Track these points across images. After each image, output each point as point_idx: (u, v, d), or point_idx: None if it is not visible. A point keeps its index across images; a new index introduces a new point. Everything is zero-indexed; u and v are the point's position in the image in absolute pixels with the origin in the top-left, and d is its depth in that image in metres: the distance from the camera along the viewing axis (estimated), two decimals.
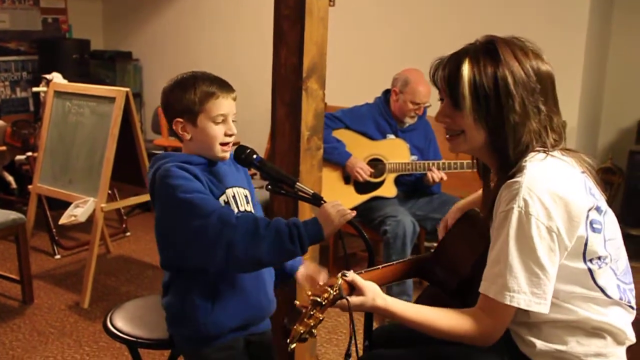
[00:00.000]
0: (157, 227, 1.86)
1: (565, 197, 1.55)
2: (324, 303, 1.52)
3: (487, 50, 1.62)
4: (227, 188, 1.87)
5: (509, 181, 1.59)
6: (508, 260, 1.54)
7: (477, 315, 1.61)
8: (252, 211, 1.94)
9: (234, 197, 1.87)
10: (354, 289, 1.60)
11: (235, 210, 1.85)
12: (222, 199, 1.84)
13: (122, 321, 2.17)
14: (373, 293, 1.61)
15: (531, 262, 1.54)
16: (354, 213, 1.77)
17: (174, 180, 1.73)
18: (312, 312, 1.50)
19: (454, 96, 1.63)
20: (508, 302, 1.54)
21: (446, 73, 1.65)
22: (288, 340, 1.48)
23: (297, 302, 1.55)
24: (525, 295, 1.54)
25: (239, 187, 1.92)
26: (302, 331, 1.47)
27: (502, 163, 1.66)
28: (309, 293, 1.55)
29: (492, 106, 1.60)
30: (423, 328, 1.63)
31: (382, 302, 1.61)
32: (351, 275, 1.60)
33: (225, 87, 1.86)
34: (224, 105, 1.83)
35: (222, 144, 1.85)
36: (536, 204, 1.53)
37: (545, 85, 1.62)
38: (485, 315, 1.60)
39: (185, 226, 1.70)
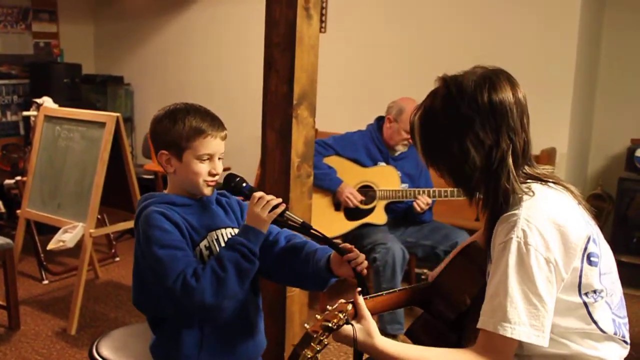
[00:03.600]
0: (135, 267, 1.86)
1: (563, 228, 1.55)
2: (334, 328, 1.53)
3: (434, 95, 1.70)
4: (211, 231, 1.84)
5: (505, 214, 1.60)
6: (508, 291, 1.53)
7: (478, 352, 1.58)
8: None
9: (217, 240, 1.84)
10: (356, 313, 1.61)
11: None
12: (203, 244, 1.82)
13: (108, 350, 2.15)
14: (372, 326, 1.60)
15: (530, 293, 1.52)
16: (279, 200, 1.78)
17: (151, 230, 1.73)
18: (321, 338, 1.51)
19: (414, 141, 1.75)
20: (509, 335, 1.52)
21: (409, 127, 1.80)
22: None
23: (307, 326, 1.54)
24: (524, 327, 1.52)
25: (226, 227, 1.89)
26: (309, 356, 1.49)
27: (468, 193, 1.71)
28: (319, 317, 1.55)
29: (436, 147, 1.69)
30: None
31: (378, 341, 1.59)
32: (358, 298, 1.61)
33: (216, 125, 1.82)
34: (211, 144, 1.80)
35: (206, 181, 1.82)
36: (535, 235, 1.53)
37: (496, 114, 1.61)
38: (485, 352, 1.57)
39: (156, 281, 1.72)
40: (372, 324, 1.60)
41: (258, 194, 1.78)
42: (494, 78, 1.64)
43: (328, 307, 1.59)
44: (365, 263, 1.78)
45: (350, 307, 1.58)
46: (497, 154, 1.61)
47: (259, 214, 1.75)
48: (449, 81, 1.66)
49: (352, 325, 1.58)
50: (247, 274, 1.74)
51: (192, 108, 1.83)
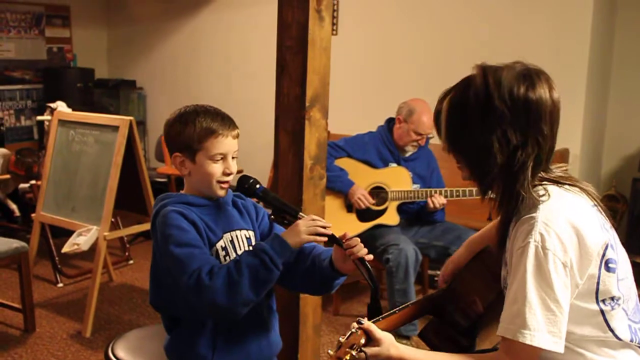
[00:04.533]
0: (153, 268, 1.87)
1: (581, 233, 1.53)
2: None
3: (466, 86, 1.64)
4: (226, 232, 1.85)
5: (523, 217, 1.58)
6: (527, 297, 1.51)
7: (500, 358, 1.57)
8: None
9: (232, 241, 1.85)
10: (370, 338, 1.56)
11: (233, 255, 1.82)
12: (220, 244, 1.82)
13: (123, 351, 2.16)
14: (388, 344, 1.56)
15: (548, 298, 1.51)
16: (327, 224, 1.76)
17: (169, 229, 1.73)
18: None
19: (438, 129, 1.71)
20: (528, 342, 1.50)
21: (435, 110, 1.72)
22: None
23: None
24: (543, 333, 1.50)
25: (240, 229, 1.89)
26: None
27: (482, 189, 1.68)
28: (331, 353, 1.51)
29: (461, 139, 1.65)
30: None
31: (396, 352, 1.57)
32: (367, 325, 1.56)
33: (226, 124, 1.82)
34: (223, 144, 1.80)
35: (220, 182, 1.82)
36: (553, 239, 1.51)
37: (527, 112, 1.57)
38: (507, 357, 1.55)
39: (173, 279, 1.72)
40: (386, 341, 1.55)
41: (313, 216, 1.79)
42: (534, 76, 1.59)
43: (340, 339, 1.54)
44: (363, 249, 1.75)
45: (363, 340, 1.53)
46: (521, 156, 1.57)
47: (301, 230, 1.74)
48: (487, 70, 1.61)
49: (366, 353, 1.52)
50: (264, 283, 1.71)
51: (202, 109, 1.83)
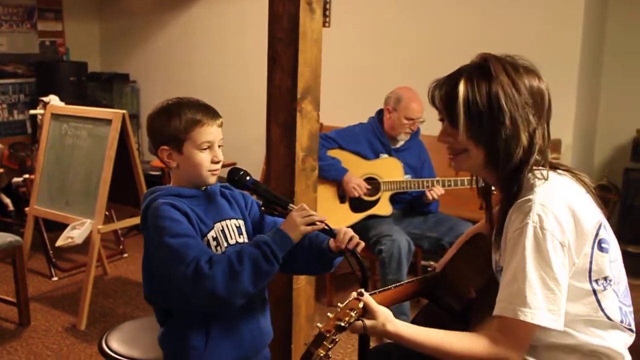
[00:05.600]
0: (145, 262, 1.88)
1: (576, 212, 1.57)
2: (346, 327, 1.54)
3: (480, 69, 1.66)
4: (217, 222, 1.86)
5: (519, 200, 1.61)
6: (526, 276, 1.54)
7: (494, 337, 1.58)
8: (245, 241, 1.91)
9: (222, 231, 1.86)
10: (366, 311, 1.60)
11: (225, 244, 1.84)
12: (211, 234, 1.83)
13: (117, 342, 2.18)
14: (384, 318, 1.60)
15: (548, 277, 1.54)
16: (322, 218, 1.79)
17: (162, 221, 1.73)
18: (334, 337, 1.52)
19: (451, 115, 1.67)
20: (529, 320, 1.53)
21: (443, 93, 1.70)
22: None
23: (320, 325, 1.55)
24: (543, 311, 1.53)
25: (230, 219, 1.90)
26: (322, 354, 1.50)
27: (501, 179, 1.69)
28: (331, 316, 1.56)
29: (485, 122, 1.63)
30: (436, 352, 1.61)
31: (392, 327, 1.60)
32: (365, 297, 1.60)
33: (210, 113, 1.84)
34: (209, 132, 1.82)
35: (210, 170, 1.84)
36: (550, 219, 1.54)
37: (536, 100, 1.64)
38: (503, 336, 1.57)
39: (168, 271, 1.73)
40: (382, 314, 1.60)
41: (303, 205, 1.81)
42: (533, 69, 1.68)
43: (339, 304, 1.59)
44: (353, 237, 1.79)
45: (361, 304, 1.58)
46: (538, 140, 1.63)
47: (296, 222, 1.77)
48: (499, 59, 1.67)
49: (363, 321, 1.58)
50: (264, 275, 1.73)
51: (185, 101, 1.86)
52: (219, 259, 1.71)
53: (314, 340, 1.53)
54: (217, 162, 1.84)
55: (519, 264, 1.56)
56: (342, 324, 1.53)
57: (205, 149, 1.82)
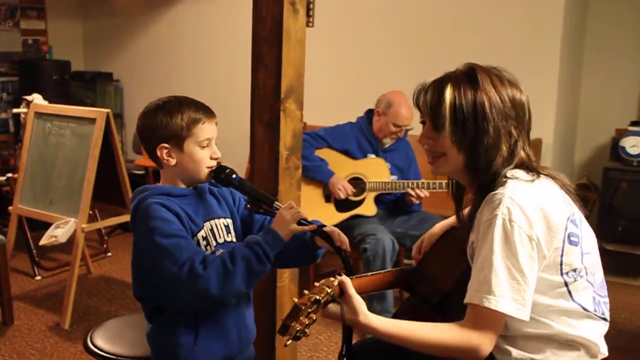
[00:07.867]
0: (135, 261, 1.88)
1: (545, 208, 1.62)
2: (322, 301, 1.57)
3: (467, 77, 1.71)
4: (206, 221, 1.89)
5: (490, 194, 1.66)
6: (493, 265, 1.59)
7: (464, 325, 1.63)
8: (234, 240, 1.94)
9: (212, 230, 1.89)
10: (342, 292, 1.64)
11: (214, 244, 1.87)
12: (201, 234, 1.85)
13: (102, 340, 2.18)
14: (358, 307, 1.63)
15: (513, 268, 1.59)
16: (306, 216, 1.82)
17: (152, 221, 1.75)
18: (310, 310, 1.54)
19: (436, 119, 1.72)
20: (493, 307, 1.58)
21: (429, 97, 1.74)
22: (285, 338, 1.53)
23: (296, 300, 1.58)
24: (507, 300, 1.58)
25: (219, 217, 1.93)
26: (298, 328, 1.52)
27: (479, 184, 1.73)
28: (307, 292, 1.59)
29: (469, 129, 1.68)
30: (408, 343, 1.65)
31: (364, 319, 1.63)
32: (343, 277, 1.65)
33: (209, 112, 1.88)
34: (209, 129, 1.86)
35: (208, 167, 1.87)
36: (518, 213, 1.59)
37: (518, 112, 1.70)
38: (472, 324, 1.62)
39: (160, 271, 1.73)
40: (357, 301, 1.64)
41: (292, 203, 1.85)
42: (514, 81, 1.74)
43: (315, 283, 1.62)
44: (342, 238, 1.84)
45: (336, 282, 1.62)
46: (516, 148, 1.70)
47: (286, 219, 1.80)
48: (484, 69, 1.73)
49: (339, 302, 1.62)
50: (256, 275, 1.76)
51: (183, 99, 1.88)
52: (213, 260, 1.73)
53: (289, 314, 1.54)
54: (216, 159, 1.88)
55: (487, 254, 1.61)
56: (318, 298, 1.55)
57: (205, 146, 1.86)
